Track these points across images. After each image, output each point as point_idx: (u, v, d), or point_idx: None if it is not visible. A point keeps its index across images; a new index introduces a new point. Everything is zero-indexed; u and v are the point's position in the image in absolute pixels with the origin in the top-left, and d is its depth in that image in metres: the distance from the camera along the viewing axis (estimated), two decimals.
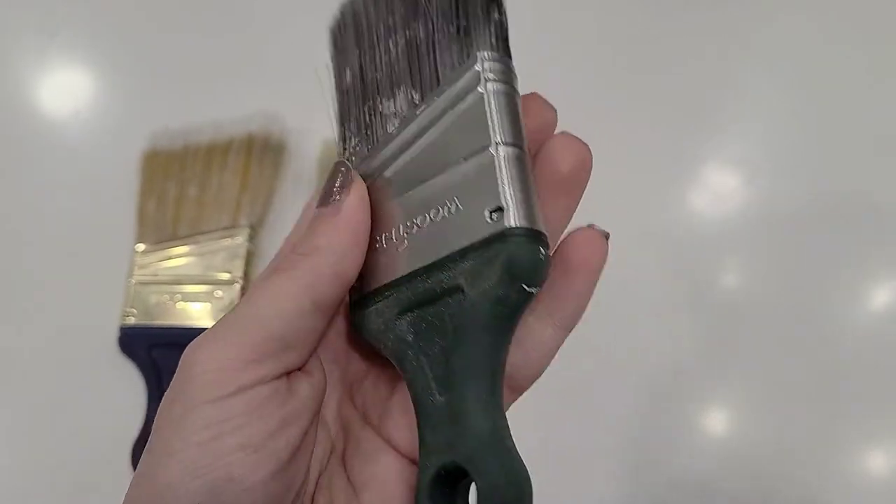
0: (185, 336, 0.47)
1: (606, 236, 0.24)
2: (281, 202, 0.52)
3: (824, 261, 0.52)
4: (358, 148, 0.26)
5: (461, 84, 0.23)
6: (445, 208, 0.23)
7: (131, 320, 0.48)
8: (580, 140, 0.23)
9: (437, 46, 0.24)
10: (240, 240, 0.49)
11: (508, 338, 0.22)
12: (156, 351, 0.48)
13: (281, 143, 0.52)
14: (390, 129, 0.25)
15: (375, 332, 0.25)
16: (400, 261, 0.24)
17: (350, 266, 0.24)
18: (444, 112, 0.23)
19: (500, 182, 0.21)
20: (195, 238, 0.49)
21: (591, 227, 0.24)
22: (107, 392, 0.49)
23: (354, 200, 0.24)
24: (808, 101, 0.55)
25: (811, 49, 0.56)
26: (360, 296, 0.26)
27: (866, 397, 0.49)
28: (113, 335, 0.48)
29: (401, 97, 0.25)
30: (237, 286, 0.48)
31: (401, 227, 0.24)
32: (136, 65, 0.56)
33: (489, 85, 0.22)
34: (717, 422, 0.50)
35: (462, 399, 0.22)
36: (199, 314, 0.48)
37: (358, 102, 0.27)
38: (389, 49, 0.26)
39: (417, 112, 0.24)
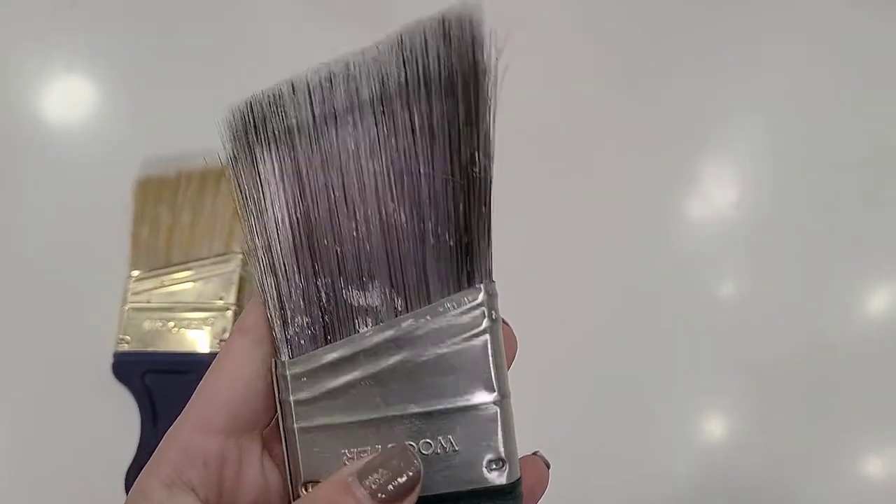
0: (178, 362, 0.48)
1: (548, 465, 0.25)
2: None
3: (821, 266, 0.53)
4: (310, 332, 0.24)
5: (461, 317, 0.22)
6: (440, 446, 0.23)
7: (125, 347, 0.49)
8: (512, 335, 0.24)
9: (428, 251, 0.23)
10: (233, 266, 0.50)
11: None
12: (149, 377, 0.48)
13: None
14: (361, 327, 0.23)
15: None
16: None
17: None
18: (438, 339, 0.23)
19: (500, 437, 0.22)
20: (188, 265, 0.50)
21: (535, 454, 0.25)
22: (101, 418, 0.49)
23: None
24: (802, 115, 0.56)
25: (803, 64, 0.57)
26: None
27: (863, 403, 0.50)
28: (107, 361, 0.49)
29: (376, 294, 0.23)
30: (230, 312, 0.49)
31: (380, 448, 0.23)
32: (132, 90, 0.56)
33: (493, 327, 0.23)
34: (713, 429, 0.50)
35: None
36: (192, 341, 0.49)
37: (304, 267, 0.24)
38: (357, 221, 0.23)
39: (402, 323, 0.23)
